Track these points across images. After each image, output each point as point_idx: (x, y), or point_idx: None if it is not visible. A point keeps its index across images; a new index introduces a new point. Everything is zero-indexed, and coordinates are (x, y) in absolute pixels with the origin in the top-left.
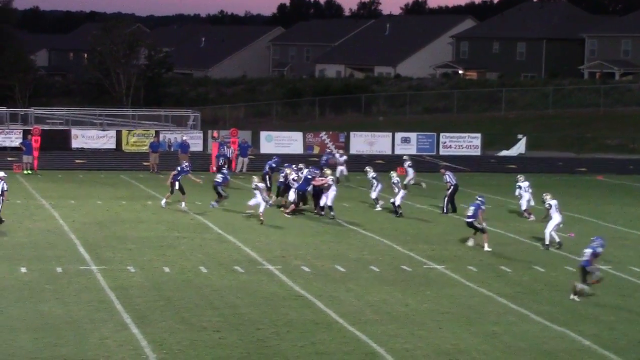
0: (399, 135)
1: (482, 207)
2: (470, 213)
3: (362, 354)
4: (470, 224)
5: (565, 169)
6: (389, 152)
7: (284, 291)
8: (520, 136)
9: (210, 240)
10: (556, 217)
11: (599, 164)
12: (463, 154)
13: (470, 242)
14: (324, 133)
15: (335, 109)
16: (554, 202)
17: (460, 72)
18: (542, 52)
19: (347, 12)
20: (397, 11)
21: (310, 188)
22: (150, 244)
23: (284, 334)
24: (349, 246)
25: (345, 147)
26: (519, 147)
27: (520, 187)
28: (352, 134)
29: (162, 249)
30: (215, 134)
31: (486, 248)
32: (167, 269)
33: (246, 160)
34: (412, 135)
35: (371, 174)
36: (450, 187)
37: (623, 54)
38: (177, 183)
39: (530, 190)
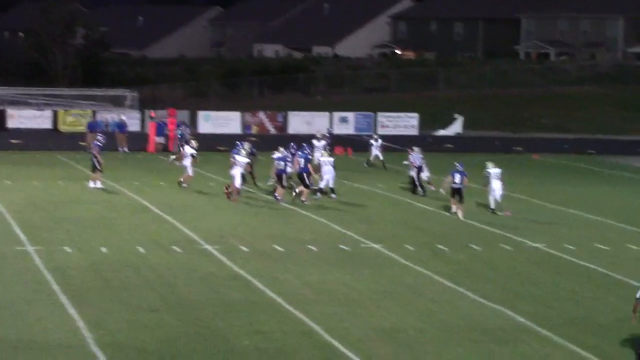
0: (337, 115)
1: (466, 173)
2: (457, 180)
3: (301, 332)
4: (458, 191)
5: (502, 149)
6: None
7: (223, 271)
8: (457, 116)
9: (149, 221)
10: (496, 184)
11: (534, 143)
12: (401, 133)
13: (457, 211)
14: (262, 113)
15: (274, 89)
16: (494, 171)
17: (398, 52)
18: (479, 32)
19: None
20: None
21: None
22: (88, 224)
23: (222, 314)
24: (287, 226)
25: (284, 127)
26: (456, 127)
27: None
28: (290, 113)
29: (99, 229)
30: (152, 113)
31: (461, 217)
32: (104, 250)
33: None
34: (350, 115)
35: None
36: (414, 167)
37: (558, 34)
38: (95, 159)
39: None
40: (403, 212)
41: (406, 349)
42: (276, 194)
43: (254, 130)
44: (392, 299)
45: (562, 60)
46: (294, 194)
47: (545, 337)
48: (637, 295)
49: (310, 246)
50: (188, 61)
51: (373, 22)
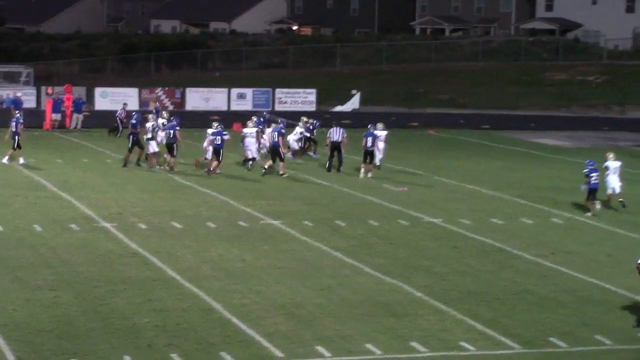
0: (234, 91)
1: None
2: (369, 143)
3: (200, 310)
4: (370, 153)
5: (398, 124)
6: (225, 108)
7: (121, 248)
8: (354, 92)
9: (45, 198)
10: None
11: (430, 119)
12: (299, 109)
13: (366, 172)
14: (160, 89)
15: (171, 64)
16: (381, 134)
17: (295, 27)
18: (375, 8)
19: None
20: None
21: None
22: None
23: (120, 292)
24: (185, 202)
25: (181, 103)
26: (354, 103)
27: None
28: (188, 90)
29: None
30: (49, 90)
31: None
32: (0, 228)
33: (81, 117)
34: (248, 91)
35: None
36: (328, 144)
37: (453, 10)
38: (16, 138)
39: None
40: (302, 188)
41: (306, 324)
42: (210, 168)
43: (152, 106)
44: (291, 275)
45: (456, 36)
46: (263, 169)
47: (443, 311)
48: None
49: (209, 223)
50: (84, 37)
51: None
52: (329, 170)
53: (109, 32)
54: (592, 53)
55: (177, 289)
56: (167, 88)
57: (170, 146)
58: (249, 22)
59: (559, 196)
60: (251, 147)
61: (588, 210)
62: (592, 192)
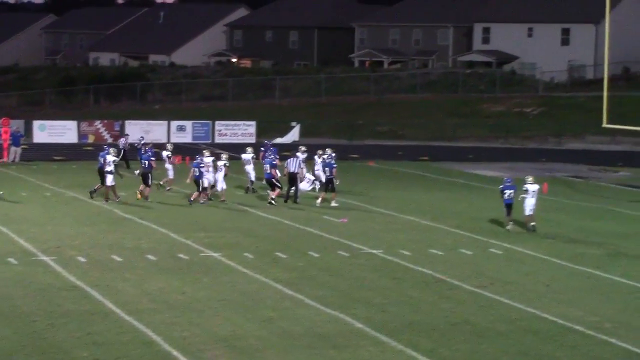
0: (174, 124)
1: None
2: (328, 173)
3: (140, 343)
4: (330, 180)
5: (338, 156)
6: (165, 140)
7: (60, 282)
8: (294, 124)
9: None
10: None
11: (370, 150)
12: (239, 141)
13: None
14: (99, 122)
15: (111, 97)
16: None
17: (234, 60)
18: (314, 41)
19: (120, 0)
20: None
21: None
22: None
23: (60, 326)
24: (125, 235)
25: (121, 135)
26: (293, 135)
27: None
28: (127, 122)
29: None
30: None
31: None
32: None
33: (19, 150)
34: (188, 124)
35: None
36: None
37: (391, 42)
38: None
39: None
40: (242, 220)
41: (247, 357)
42: (191, 198)
43: (91, 139)
44: (232, 308)
45: (395, 68)
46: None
47: (384, 342)
48: None
49: (149, 255)
50: (22, 69)
51: (209, 30)
52: (285, 201)
53: (47, 65)
54: (529, 85)
55: (116, 322)
56: (106, 120)
57: (145, 176)
58: (188, 55)
59: (497, 227)
60: (252, 173)
61: (508, 224)
62: (508, 207)
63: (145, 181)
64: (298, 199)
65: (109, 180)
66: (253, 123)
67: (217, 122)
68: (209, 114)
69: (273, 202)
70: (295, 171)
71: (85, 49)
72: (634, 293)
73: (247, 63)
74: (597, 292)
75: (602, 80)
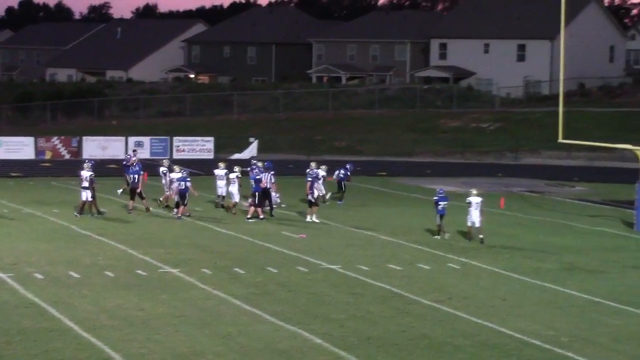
0: (132, 140)
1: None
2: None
3: (98, 359)
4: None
5: (297, 171)
6: (122, 156)
7: (16, 299)
8: (252, 139)
9: None
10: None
11: (329, 166)
12: (197, 157)
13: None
14: (56, 138)
15: (68, 113)
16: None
17: (192, 75)
18: (272, 56)
19: (77, 16)
20: (128, 15)
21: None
22: None
23: (16, 343)
24: (83, 252)
25: (78, 151)
26: (251, 150)
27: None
28: (84, 138)
29: None
30: None
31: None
32: None
33: None
34: (146, 140)
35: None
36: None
37: (349, 58)
38: None
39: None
40: (199, 235)
41: None
42: (176, 211)
43: (48, 155)
44: (190, 324)
45: (353, 84)
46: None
47: (342, 357)
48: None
49: (107, 272)
50: None
51: (167, 46)
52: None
53: (3, 81)
54: (485, 100)
55: (74, 339)
56: (63, 137)
57: (133, 191)
58: (145, 71)
59: (454, 241)
60: (224, 189)
61: (438, 234)
62: (441, 217)
63: (132, 196)
64: (274, 212)
65: (86, 195)
66: (211, 139)
67: (175, 138)
68: (167, 130)
69: (252, 219)
70: (268, 186)
71: (42, 64)
72: (589, 307)
73: (205, 79)
74: (553, 306)
75: (557, 95)
